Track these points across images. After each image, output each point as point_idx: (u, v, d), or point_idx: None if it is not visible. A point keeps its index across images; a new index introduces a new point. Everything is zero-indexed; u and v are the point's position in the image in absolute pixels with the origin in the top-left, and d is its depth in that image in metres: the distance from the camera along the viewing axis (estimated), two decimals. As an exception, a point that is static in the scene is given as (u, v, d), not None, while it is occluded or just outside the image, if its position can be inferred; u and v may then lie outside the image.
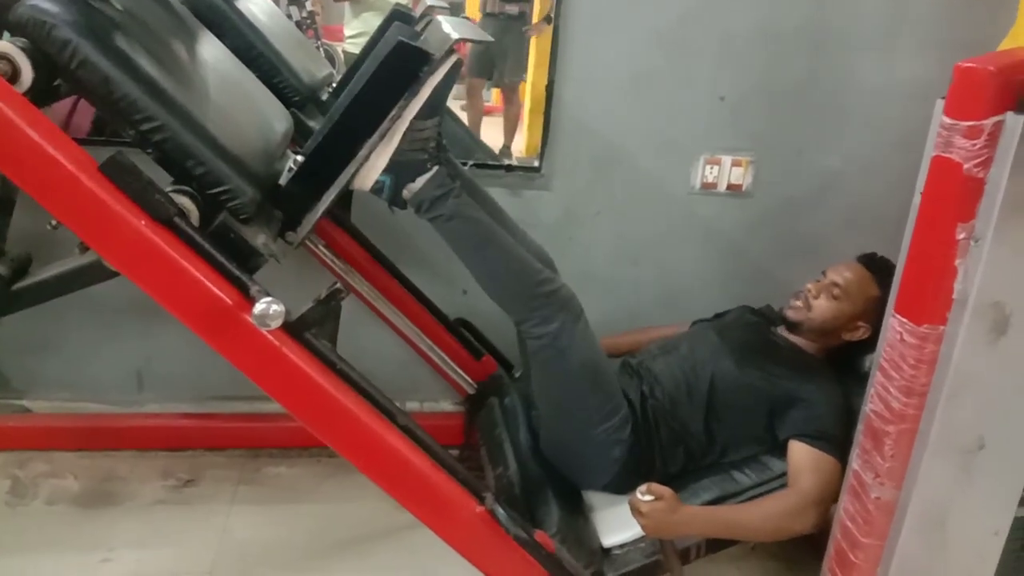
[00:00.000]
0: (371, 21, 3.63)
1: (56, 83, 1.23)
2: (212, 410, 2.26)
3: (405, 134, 1.38)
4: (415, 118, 1.38)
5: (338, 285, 1.27)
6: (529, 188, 2.21)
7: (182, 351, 2.07)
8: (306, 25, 4.66)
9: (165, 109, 1.22)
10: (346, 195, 1.56)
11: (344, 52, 3.78)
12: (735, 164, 2.24)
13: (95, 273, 1.31)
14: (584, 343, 1.68)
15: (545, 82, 2.14)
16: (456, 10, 5.28)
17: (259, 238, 1.32)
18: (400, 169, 1.49)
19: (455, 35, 1.30)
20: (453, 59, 1.35)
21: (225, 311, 1.21)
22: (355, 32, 3.68)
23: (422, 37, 1.46)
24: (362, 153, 1.31)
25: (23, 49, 1.13)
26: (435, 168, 1.56)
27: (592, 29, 2.08)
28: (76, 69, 1.17)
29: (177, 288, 1.21)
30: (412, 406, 2.36)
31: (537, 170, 2.20)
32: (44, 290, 1.36)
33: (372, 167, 1.38)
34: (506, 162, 2.21)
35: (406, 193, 1.55)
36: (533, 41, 3.31)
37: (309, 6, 4.76)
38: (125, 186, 1.17)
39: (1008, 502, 1.33)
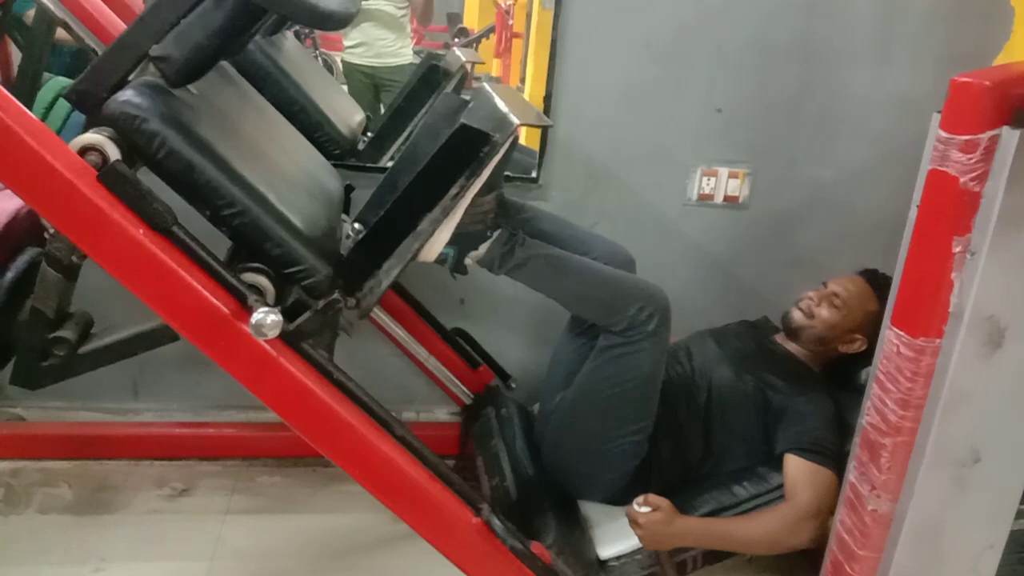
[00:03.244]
0: (371, 32, 3.64)
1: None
2: (207, 419, 2.25)
3: (467, 209, 1.40)
4: (476, 195, 1.40)
5: (335, 295, 1.27)
6: (527, 199, 2.21)
7: (177, 360, 2.06)
8: (305, 35, 4.67)
9: (244, 194, 1.25)
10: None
11: (343, 62, 3.79)
12: (732, 176, 2.25)
13: (160, 336, 1.35)
14: (659, 353, 1.68)
15: (543, 94, 2.15)
16: (454, 19, 5.32)
17: None
18: (462, 241, 1.55)
19: (517, 121, 1.31)
20: (512, 138, 1.37)
21: (222, 320, 1.21)
22: (354, 43, 3.69)
23: (471, 106, 1.48)
24: (424, 228, 1.33)
25: (111, 139, 1.17)
26: (496, 233, 1.61)
27: (589, 42, 2.09)
28: (163, 159, 1.20)
29: (174, 297, 1.21)
30: (408, 415, 2.36)
31: (535, 181, 2.21)
32: (110, 353, 1.39)
33: (436, 241, 1.40)
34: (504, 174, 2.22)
35: (469, 260, 1.61)
36: (531, 54, 3.32)
37: (308, 16, 4.77)
38: (123, 195, 1.17)
39: (1004, 515, 1.34)
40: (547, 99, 2.14)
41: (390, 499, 1.39)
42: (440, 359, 2.22)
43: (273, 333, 1.18)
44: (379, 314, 2.14)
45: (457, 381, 2.25)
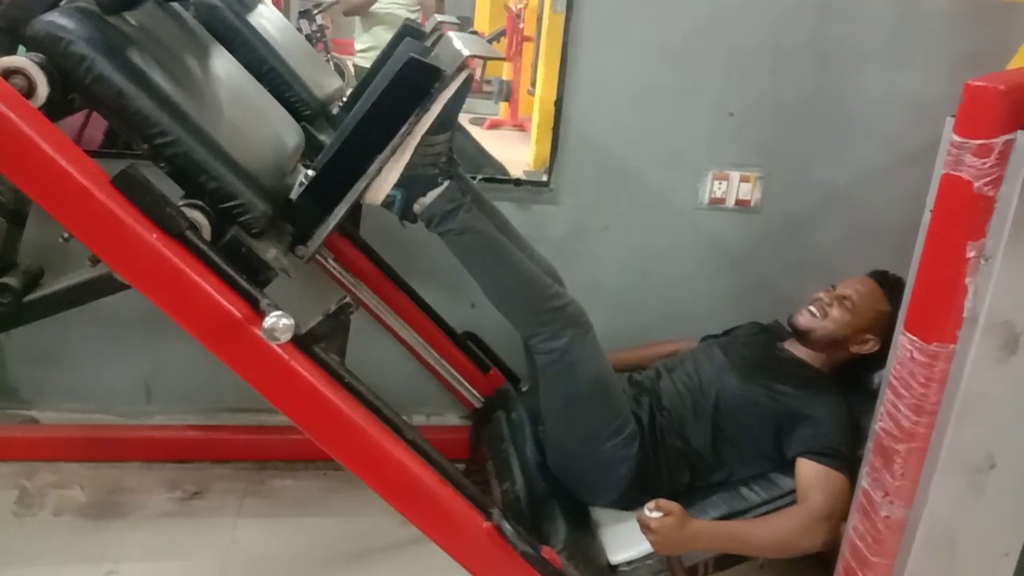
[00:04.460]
0: (381, 35, 3.66)
1: (70, 97, 1.24)
2: (219, 422, 2.26)
3: (416, 149, 1.38)
4: (426, 133, 1.38)
5: (347, 299, 1.27)
6: (537, 203, 2.21)
7: (190, 363, 2.07)
8: (316, 38, 4.69)
9: (178, 123, 1.23)
10: (356, 209, 1.56)
11: (355, 66, 3.80)
12: (743, 180, 2.24)
13: (105, 285, 1.32)
14: (593, 359, 1.68)
15: (554, 97, 2.15)
16: (465, 24, 5.34)
17: (270, 252, 1.32)
18: (411, 184, 1.50)
19: (466, 51, 1.31)
20: (464, 75, 1.36)
21: (235, 324, 1.22)
22: (366, 46, 3.70)
23: (433, 53, 1.47)
24: (373, 168, 1.32)
25: (39, 64, 1.14)
26: (446, 183, 1.57)
27: (601, 45, 2.09)
28: (91, 84, 1.17)
29: (187, 301, 1.22)
30: (419, 419, 2.36)
31: (546, 184, 2.21)
32: (55, 302, 1.36)
33: (383, 181, 1.39)
34: (514, 177, 2.22)
35: (417, 207, 1.56)
36: (542, 56, 3.32)
37: (319, 20, 4.79)
38: (137, 199, 1.18)
39: (1019, 522, 1.33)
40: (558, 103, 2.14)
41: (401, 503, 1.39)
42: (451, 363, 2.22)
43: (285, 337, 1.18)
44: (390, 317, 2.14)
45: (468, 385, 2.25)
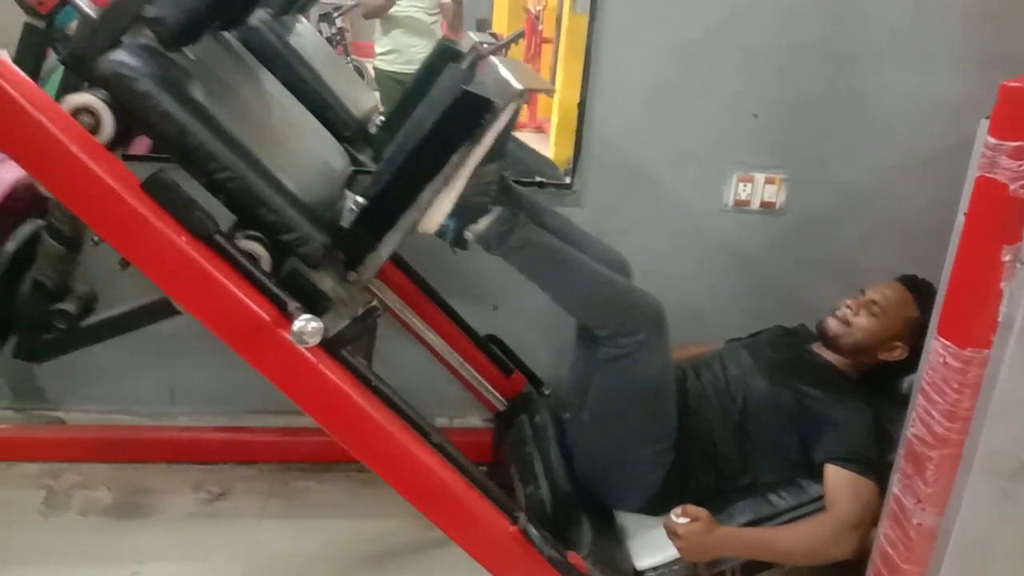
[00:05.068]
0: (401, 39, 3.66)
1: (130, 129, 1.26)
2: (243, 423, 2.27)
3: (468, 179, 1.39)
4: (478, 164, 1.39)
5: (374, 303, 1.28)
6: (560, 205, 2.20)
7: (213, 364, 2.07)
8: (336, 41, 4.72)
9: (239, 158, 1.25)
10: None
11: (375, 69, 3.82)
12: (768, 181, 2.22)
13: (161, 310, 1.34)
14: (660, 360, 1.67)
15: (576, 99, 2.14)
16: (483, 25, 5.34)
17: (327, 283, 1.34)
18: (463, 212, 1.52)
19: (519, 85, 1.30)
20: (515, 106, 1.36)
21: (263, 328, 1.22)
22: (385, 49, 3.71)
23: (477, 78, 1.47)
24: (425, 198, 1.33)
25: (105, 101, 1.17)
26: (497, 209, 1.59)
27: (624, 47, 2.08)
28: (156, 121, 1.20)
29: (216, 304, 1.23)
30: (441, 421, 2.36)
31: (568, 187, 2.20)
32: (112, 327, 1.39)
33: (436, 212, 1.39)
34: (538, 179, 2.21)
35: (468, 234, 1.58)
36: (561, 59, 3.32)
37: (339, 23, 4.82)
38: (167, 203, 1.19)
39: (1055, 530, 1.30)
40: (581, 105, 2.13)
41: (426, 506, 1.39)
42: (473, 365, 2.22)
43: (314, 340, 1.19)
44: (413, 320, 2.14)
45: (490, 387, 2.24)
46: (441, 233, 1.53)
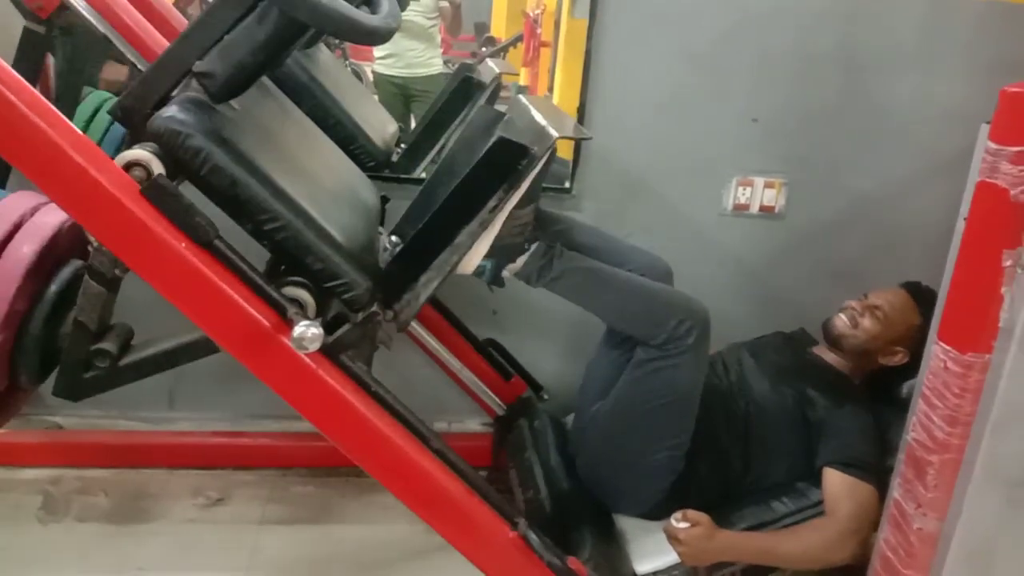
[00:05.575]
0: (400, 42, 3.66)
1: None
2: (242, 429, 2.26)
3: (504, 222, 1.40)
4: (514, 208, 1.40)
5: (374, 307, 1.28)
6: (560, 209, 2.20)
7: (213, 370, 2.06)
8: (335, 45, 4.70)
9: (287, 208, 1.26)
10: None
11: (373, 72, 3.82)
12: (768, 186, 2.22)
13: (200, 348, 1.35)
14: (698, 368, 1.66)
15: (575, 103, 2.14)
16: (482, 29, 5.34)
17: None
18: (500, 253, 1.53)
19: (555, 133, 1.31)
20: (550, 152, 1.37)
21: (263, 333, 1.22)
22: (384, 53, 3.71)
23: (507, 117, 1.48)
24: (462, 241, 1.34)
25: (156, 155, 1.18)
26: (533, 246, 1.60)
27: (624, 51, 2.08)
28: (207, 175, 1.21)
29: (215, 310, 1.22)
30: (440, 426, 2.35)
31: (568, 191, 2.20)
32: (150, 365, 1.39)
33: (474, 253, 1.41)
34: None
35: (506, 273, 1.59)
36: (559, 63, 3.31)
37: (338, 26, 4.80)
38: (166, 209, 1.18)
39: (1057, 536, 1.30)
40: (581, 109, 2.13)
41: (426, 511, 1.39)
42: (472, 370, 2.21)
43: (314, 346, 1.18)
44: (413, 325, 2.14)
45: (489, 392, 2.24)
46: (479, 273, 1.55)
